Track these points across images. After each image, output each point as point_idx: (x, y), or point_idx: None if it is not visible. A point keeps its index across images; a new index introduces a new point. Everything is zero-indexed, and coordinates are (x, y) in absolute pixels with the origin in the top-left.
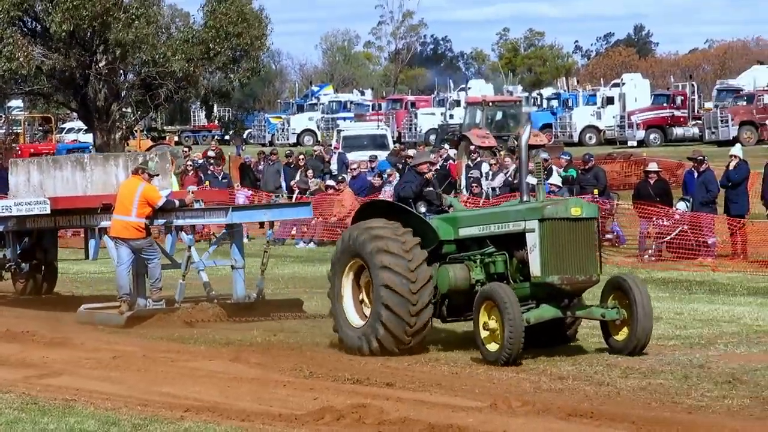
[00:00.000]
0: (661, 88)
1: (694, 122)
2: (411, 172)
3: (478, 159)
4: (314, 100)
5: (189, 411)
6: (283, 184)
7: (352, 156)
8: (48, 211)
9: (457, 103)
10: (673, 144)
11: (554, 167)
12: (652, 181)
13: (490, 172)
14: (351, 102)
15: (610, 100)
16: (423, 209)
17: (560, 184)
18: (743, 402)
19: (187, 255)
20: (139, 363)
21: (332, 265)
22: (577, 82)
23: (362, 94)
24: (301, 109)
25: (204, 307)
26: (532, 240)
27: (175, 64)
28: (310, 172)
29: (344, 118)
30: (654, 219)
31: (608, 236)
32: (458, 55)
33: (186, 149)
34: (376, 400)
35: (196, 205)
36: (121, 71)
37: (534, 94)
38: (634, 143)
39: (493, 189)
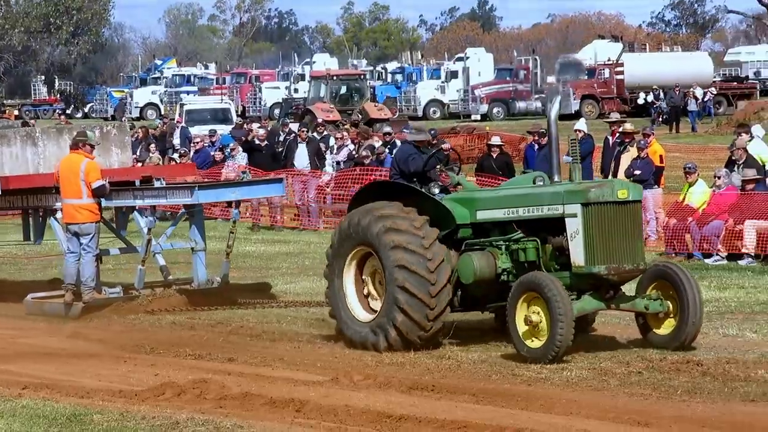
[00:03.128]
0: (505, 62)
1: (536, 96)
2: (409, 146)
3: (325, 133)
4: (157, 74)
5: (27, 388)
6: None
7: (195, 130)
8: None
9: (302, 77)
10: (516, 118)
11: (397, 141)
12: (494, 155)
13: (335, 146)
14: (195, 76)
15: (454, 74)
16: (436, 190)
17: None
18: (581, 373)
19: (147, 239)
20: None
21: (330, 259)
22: (422, 56)
23: (206, 68)
24: (144, 83)
25: (166, 295)
26: (574, 226)
27: (14, 37)
28: (152, 146)
29: (188, 92)
30: None
31: None
32: (303, 29)
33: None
34: (218, 375)
35: (157, 184)
36: None
37: (379, 68)
38: (478, 117)
39: (338, 163)
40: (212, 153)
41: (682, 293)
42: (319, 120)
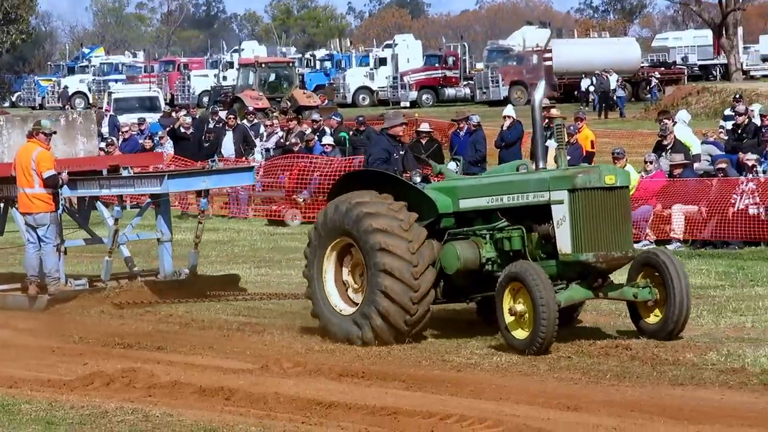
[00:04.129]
0: (433, 48)
1: (465, 82)
2: (383, 138)
3: (255, 120)
4: (85, 63)
5: None
6: None
7: (124, 118)
8: None
9: (231, 64)
10: (445, 104)
11: (326, 128)
12: (423, 141)
13: (264, 133)
14: (123, 64)
15: (382, 61)
16: (418, 179)
17: (333, 144)
18: (511, 359)
19: (114, 229)
20: None
21: (311, 244)
22: (350, 43)
23: (134, 56)
24: (72, 71)
25: (133, 287)
26: (561, 213)
27: None
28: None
29: (116, 81)
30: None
31: None
32: (231, 17)
33: None
34: (147, 364)
35: (124, 173)
36: None
37: (307, 55)
38: (407, 104)
39: (267, 150)
40: (141, 141)
41: (668, 281)
42: (249, 108)
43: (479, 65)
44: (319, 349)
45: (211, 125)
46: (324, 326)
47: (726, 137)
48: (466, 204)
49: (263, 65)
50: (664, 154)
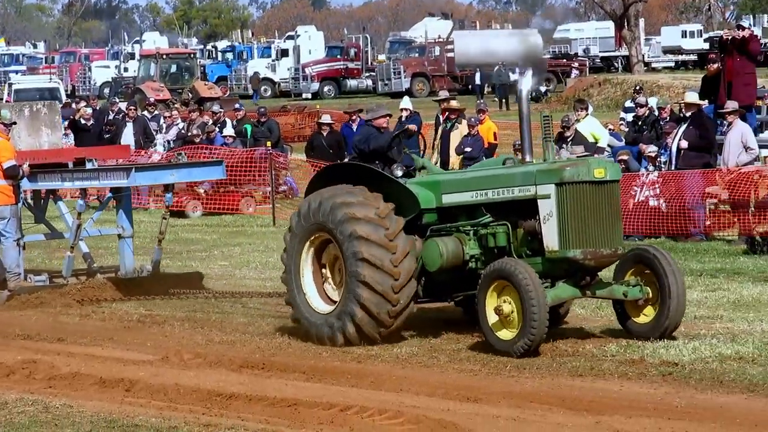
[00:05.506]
0: (335, 40)
1: (367, 74)
2: (368, 128)
3: (156, 112)
4: None
5: None
6: None
7: None
8: None
9: (132, 56)
10: (347, 96)
11: (228, 120)
12: (325, 133)
13: (164, 125)
14: (23, 55)
15: (284, 53)
16: (399, 173)
17: (234, 135)
18: (411, 350)
19: (77, 224)
20: None
21: (287, 243)
22: (252, 34)
23: (35, 47)
24: None
25: (96, 283)
26: (547, 208)
27: None
28: None
29: (16, 71)
30: None
31: (282, 188)
32: (133, 8)
33: None
34: (47, 355)
35: (89, 165)
36: None
37: (209, 46)
38: (309, 95)
39: (168, 142)
40: None
41: (662, 279)
42: (150, 99)
43: (381, 57)
44: (219, 340)
45: (111, 117)
46: (305, 329)
47: (626, 129)
48: (449, 199)
49: (164, 56)
50: (564, 145)
